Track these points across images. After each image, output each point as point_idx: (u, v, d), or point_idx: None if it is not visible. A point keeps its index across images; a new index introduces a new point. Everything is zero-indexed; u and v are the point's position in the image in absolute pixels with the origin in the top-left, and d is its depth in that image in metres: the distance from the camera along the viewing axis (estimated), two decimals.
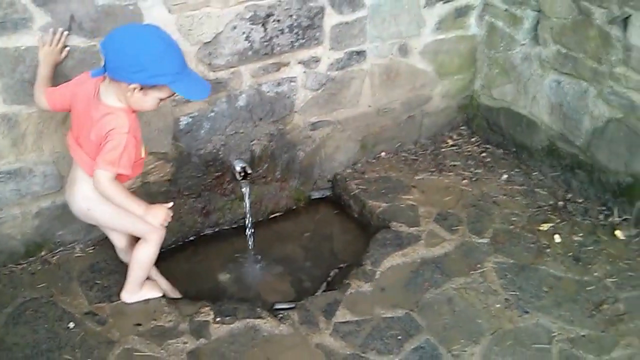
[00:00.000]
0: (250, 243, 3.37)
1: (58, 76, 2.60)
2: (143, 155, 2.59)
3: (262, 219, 3.64)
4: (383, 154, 3.93)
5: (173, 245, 3.40)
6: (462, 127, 4.18)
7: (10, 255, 2.98)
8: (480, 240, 3.23)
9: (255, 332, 2.73)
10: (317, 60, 3.30)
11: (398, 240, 3.24)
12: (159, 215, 2.50)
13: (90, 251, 3.11)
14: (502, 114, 3.90)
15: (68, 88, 2.49)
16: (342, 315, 2.81)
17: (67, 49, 2.60)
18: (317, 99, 3.44)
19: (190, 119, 3.08)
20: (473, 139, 4.08)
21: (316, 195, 3.81)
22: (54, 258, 3.05)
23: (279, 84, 3.25)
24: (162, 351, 2.62)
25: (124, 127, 2.34)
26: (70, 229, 3.05)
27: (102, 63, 2.29)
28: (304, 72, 3.30)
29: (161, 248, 3.30)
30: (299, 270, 3.35)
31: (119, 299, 2.84)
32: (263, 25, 3.02)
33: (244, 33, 2.99)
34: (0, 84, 2.55)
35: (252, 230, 3.41)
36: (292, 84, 3.29)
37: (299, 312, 2.83)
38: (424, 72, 3.76)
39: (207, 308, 2.82)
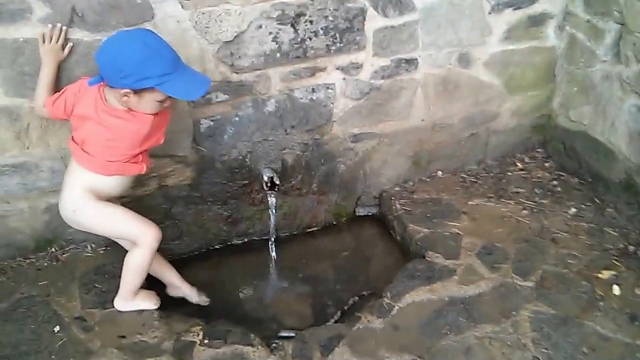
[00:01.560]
0: (273, 258, 3.08)
1: (62, 71, 2.43)
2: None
3: (296, 232, 3.33)
4: (439, 172, 3.47)
5: (196, 252, 3.18)
6: (537, 150, 3.59)
7: (20, 249, 2.87)
8: (524, 283, 2.69)
9: None
10: (358, 66, 2.91)
11: (429, 272, 2.79)
12: None
13: (101, 252, 2.93)
14: (579, 138, 3.29)
15: (70, 95, 2.35)
16: (341, 353, 2.42)
17: (70, 45, 2.41)
18: (360, 109, 3.06)
19: (212, 122, 2.82)
20: (547, 164, 3.49)
21: (361, 212, 3.43)
22: (64, 255, 2.90)
23: (313, 91, 2.91)
24: None
25: (148, 118, 2.29)
26: None
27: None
28: (343, 78, 2.93)
29: (183, 254, 3.17)
30: (326, 292, 3.00)
31: (113, 306, 2.63)
32: (293, 25, 2.69)
33: (270, 33, 2.68)
34: (0, 75, 2.41)
35: (276, 245, 3.13)
36: (330, 91, 2.94)
37: (294, 344, 2.48)
38: (490, 85, 3.25)
39: (198, 327, 2.54)
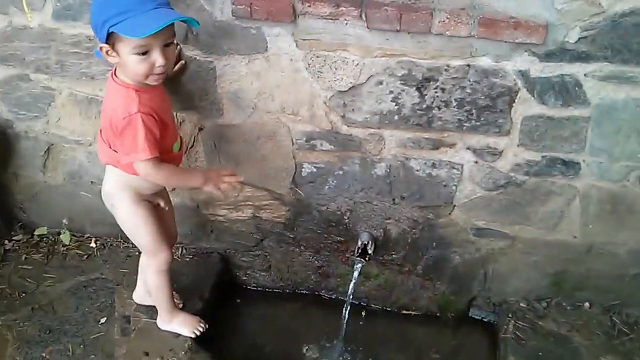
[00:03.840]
0: (344, 329, 2.58)
1: (171, 85, 2.21)
2: (177, 149, 2.11)
3: (389, 309, 2.78)
4: (587, 305, 2.57)
5: (280, 290, 2.84)
6: None
7: (122, 230, 2.81)
8: None
9: None
10: (496, 153, 2.23)
11: None
12: (215, 182, 2.06)
13: (187, 259, 2.71)
14: None
15: None
16: None
17: (182, 62, 2.18)
18: (490, 201, 2.37)
19: (315, 169, 2.41)
20: None
21: (476, 314, 2.72)
22: None
23: (434, 166, 2.31)
24: None
25: (132, 108, 1.86)
26: (183, 227, 2.64)
27: None
28: (475, 162, 2.27)
29: (268, 287, 2.84)
30: None
31: None
32: (419, 89, 2.13)
33: (391, 92, 2.15)
34: None
35: (364, 315, 2.70)
36: (455, 171, 2.31)
37: None
38: None
39: None
